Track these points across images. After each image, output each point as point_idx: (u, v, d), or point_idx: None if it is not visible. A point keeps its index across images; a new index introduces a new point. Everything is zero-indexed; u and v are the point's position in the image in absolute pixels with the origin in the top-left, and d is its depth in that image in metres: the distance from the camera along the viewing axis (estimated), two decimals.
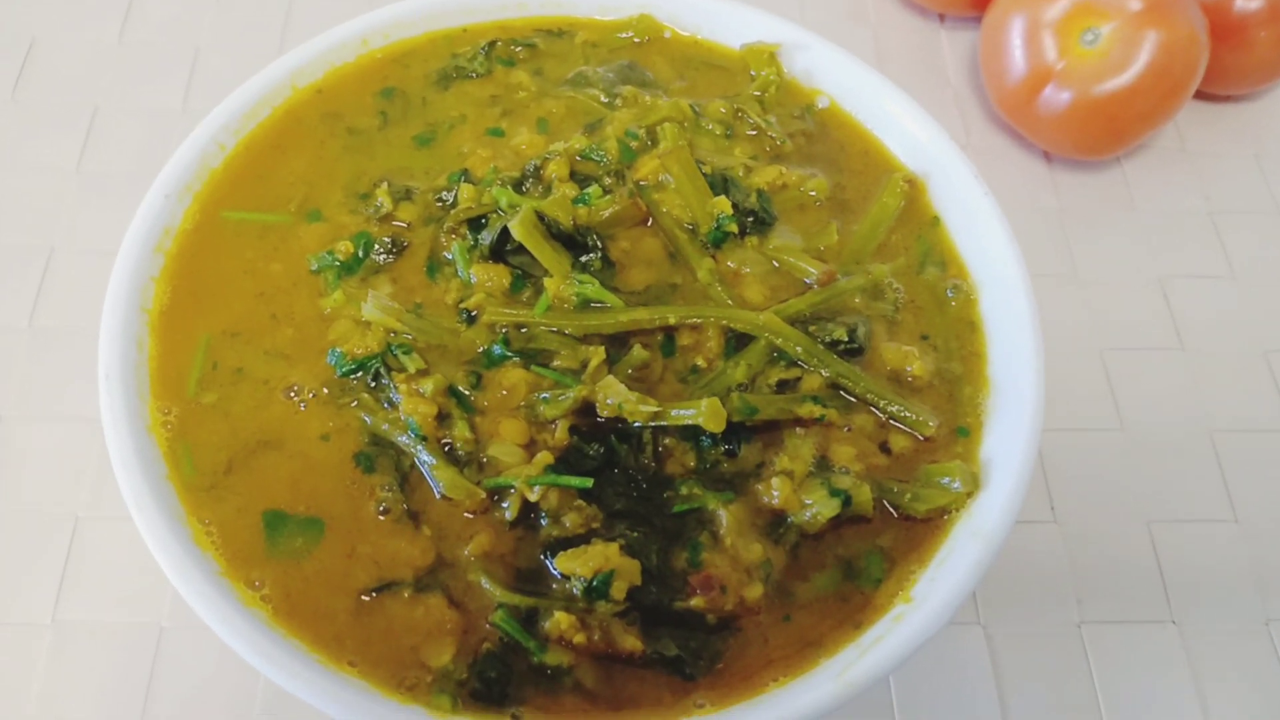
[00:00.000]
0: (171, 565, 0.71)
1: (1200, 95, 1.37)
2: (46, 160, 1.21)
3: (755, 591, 0.75)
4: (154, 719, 0.91)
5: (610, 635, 0.73)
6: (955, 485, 0.79)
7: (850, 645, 0.74)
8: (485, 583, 0.75)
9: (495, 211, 0.88)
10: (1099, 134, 1.23)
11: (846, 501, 0.78)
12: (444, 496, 0.78)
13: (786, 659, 0.74)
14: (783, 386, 0.84)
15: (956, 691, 0.97)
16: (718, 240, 0.89)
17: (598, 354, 0.82)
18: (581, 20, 1.06)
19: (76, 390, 1.06)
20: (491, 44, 1.01)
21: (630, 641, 0.73)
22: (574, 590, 0.74)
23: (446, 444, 0.80)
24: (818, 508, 0.78)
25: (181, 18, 1.34)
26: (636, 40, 1.05)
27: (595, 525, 0.77)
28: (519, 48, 1.03)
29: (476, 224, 0.88)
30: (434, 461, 0.78)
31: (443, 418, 0.80)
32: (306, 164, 0.93)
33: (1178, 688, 0.98)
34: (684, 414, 0.78)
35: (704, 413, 0.77)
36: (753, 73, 1.01)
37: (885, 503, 0.80)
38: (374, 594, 0.75)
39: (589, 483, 0.76)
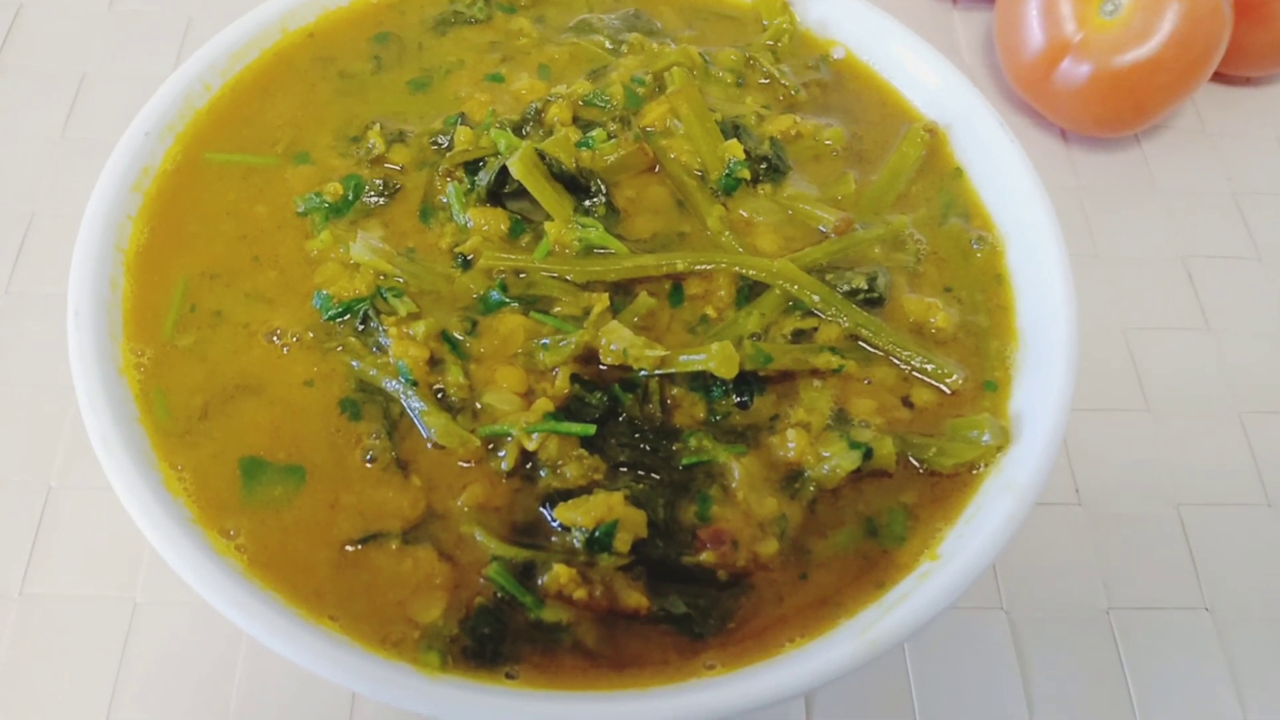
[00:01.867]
0: (140, 509, 0.66)
1: (1220, 78, 1.34)
2: (31, 126, 1.17)
3: (769, 547, 0.70)
4: (124, 697, 0.85)
5: (613, 591, 0.67)
6: (984, 438, 0.74)
7: (872, 605, 0.68)
8: (479, 535, 0.69)
9: (494, 155, 0.83)
10: (1119, 108, 1.19)
11: (867, 454, 0.73)
12: (435, 445, 0.72)
13: (803, 619, 0.68)
14: (798, 337, 0.79)
15: (979, 679, 0.91)
16: (729, 187, 0.85)
17: (601, 300, 0.77)
18: None
19: (52, 357, 1.01)
20: None
21: (634, 598, 0.67)
22: (574, 543, 0.68)
23: (439, 390, 0.74)
24: (836, 460, 0.72)
25: None
26: None
27: (597, 477, 0.71)
28: None
29: (473, 167, 0.83)
30: (425, 407, 0.73)
31: (435, 363, 0.75)
32: (295, 107, 0.89)
33: (1213, 676, 0.93)
34: (693, 359, 0.73)
35: (715, 356, 0.72)
36: (765, 22, 0.97)
37: (909, 457, 0.75)
38: (358, 545, 0.69)
39: (591, 429, 0.71)
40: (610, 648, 0.67)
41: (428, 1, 0.97)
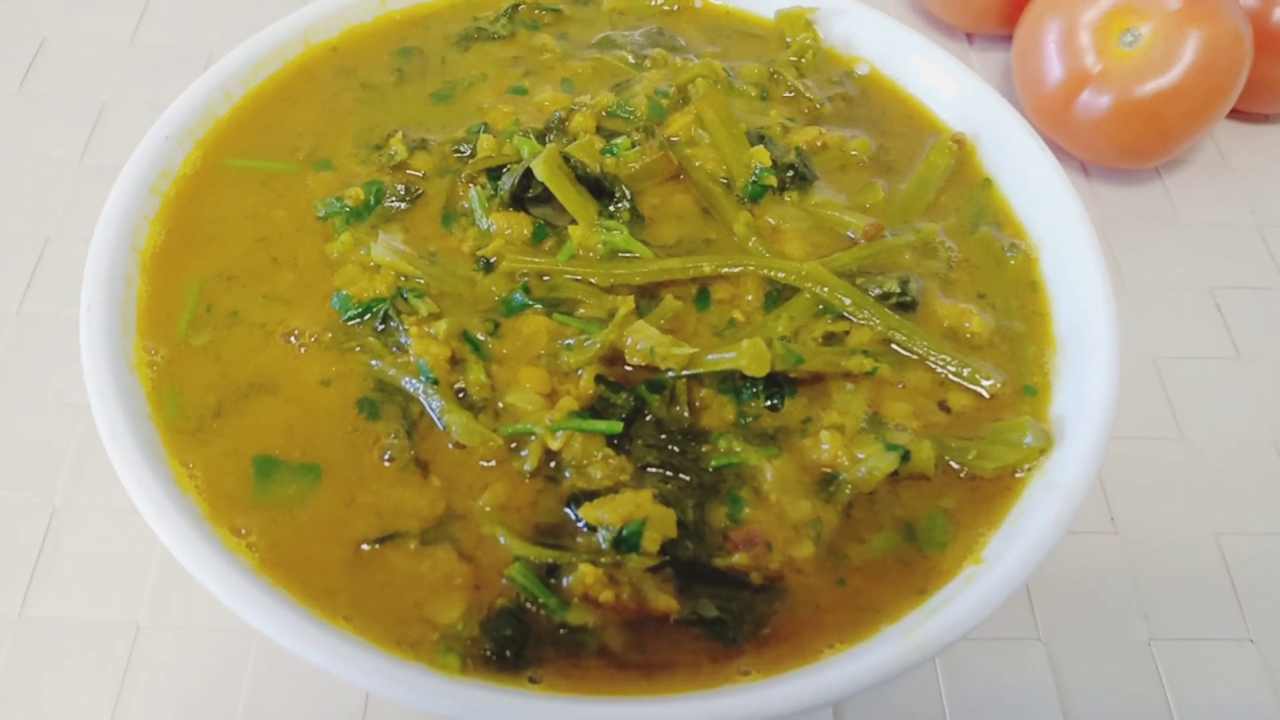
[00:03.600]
0: (147, 502, 0.63)
1: (1240, 115, 1.34)
2: (49, 151, 1.17)
3: (805, 550, 0.67)
4: None
5: (641, 593, 0.64)
6: (1026, 440, 0.71)
7: (915, 610, 0.65)
8: (501, 536, 0.66)
9: (517, 163, 0.82)
10: (1142, 137, 1.18)
11: (905, 457, 0.70)
12: (457, 444, 0.70)
13: (842, 625, 0.65)
14: (829, 340, 0.76)
15: (1017, 713, 0.87)
16: (755, 194, 0.83)
17: (626, 303, 0.75)
18: None
19: (60, 377, 0.99)
20: (515, 7, 0.98)
21: (664, 601, 0.64)
22: (601, 543, 0.65)
23: (459, 390, 0.72)
24: (873, 462, 0.69)
25: (195, 21, 1.31)
26: (666, 8, 1.01)
27: (623, 478, 0.68)
28: (543, 12, 0.99)
29: (496, 174, 0.82)
30: (445, 405, 0.70)
31: (456, 363, 0.73)
32: (316, 115, 0.88)
33: (1262, 711, 0.88)
34: (723, 357, 0.71)
35: (745, 354, 0.70)
36: (788, 39, 0.97)
37: (948, 461, 0.72)
38: (374, 545, 0.66)
39: (618, 427, 0.68)
40: (639, 653, 0.63)
41: (451, 18, 0.97)
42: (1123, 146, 1.20)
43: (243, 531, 0.66)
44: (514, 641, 0.62)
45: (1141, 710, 0.87)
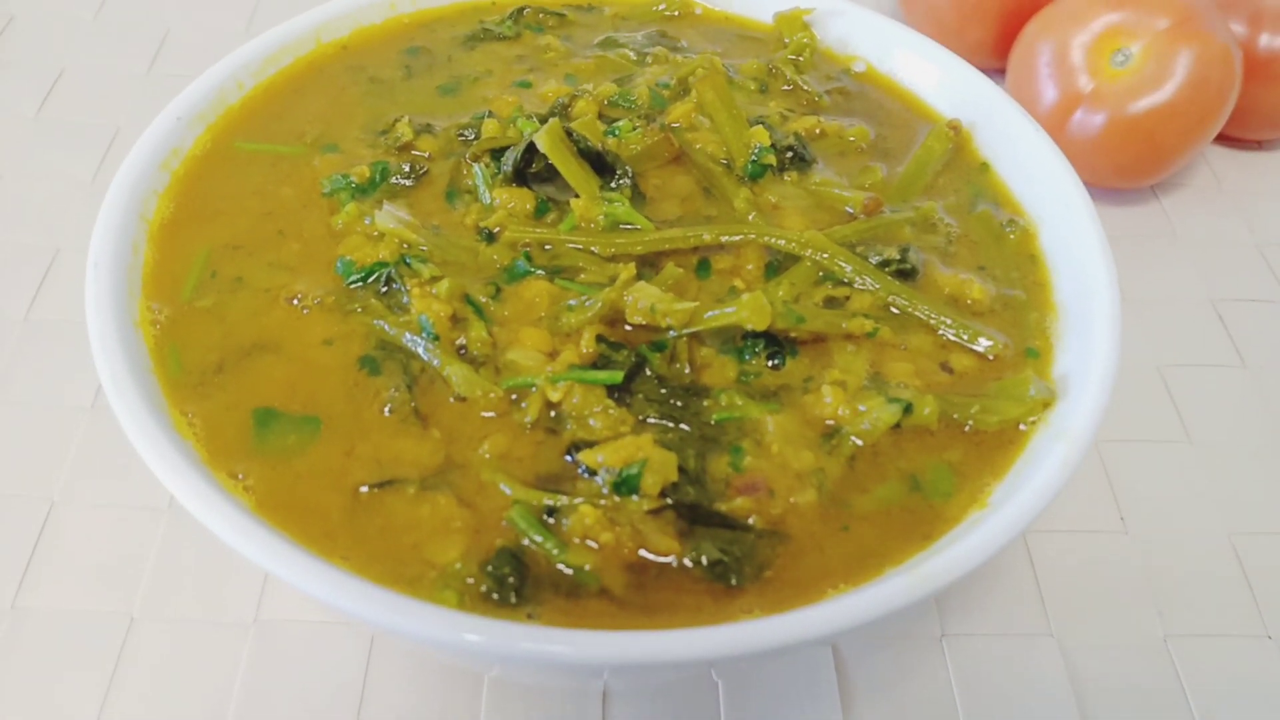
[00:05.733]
0: (146, 443, 0.62)
1: (1231, 142, 1.36)
2: (64, 171, 1.19)
3: (808, 496, 0.66)
4: (113, 713, 0.79)
5: (642, 535, 0.63)
6: (1030, 392, 0.70)
7: (921, 554, 0.63)
8: (502, 484, 0.65)
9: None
10: (1137, 155, 1.20)
11: (907, 410, 0.69)
12: (457, 398, 0.69)
13: (846, 568, 0.63)
14: (830, 305, 0.76)
15: (1032, 708, 0.85)
16: (755, 174, 0.84)
17: (627, 269, 0.75)
18: None
19: (64, 379, 1.00)
20: (520, 11, 1.00)
21: (665, 542, 0.63)
22: (601, 486, 0.64)
23: (461, 346, 0.72)
24: (875, 414, 0.69)
25: (212, 54, 1.34)
26: (667, 13, 1.03)
27: (624, 429, 0.68)
28: (547, 16, 1.02)
29: (500, 154, 0.84)
30: (446, 359, 0.70)
31: (457, 321, 0.73)
32: (325, 105, 0.90)
33: None
34: (723, 312, 0.71)
35: (746, 306, 0.70)
36: (786, 39, 1.00)
37: (952, 416, 0.71)
38: (374, 488, 0.65)
39: (618, 377, 0.68)
40: (639, 595, 0.62)
41: (458, 20, 1.00)
42: (1118, 165, 1.22)
43: (240, 476, 0.65)
44: (512, 581, 0.61)
45: (1160, 705, 0.85)
